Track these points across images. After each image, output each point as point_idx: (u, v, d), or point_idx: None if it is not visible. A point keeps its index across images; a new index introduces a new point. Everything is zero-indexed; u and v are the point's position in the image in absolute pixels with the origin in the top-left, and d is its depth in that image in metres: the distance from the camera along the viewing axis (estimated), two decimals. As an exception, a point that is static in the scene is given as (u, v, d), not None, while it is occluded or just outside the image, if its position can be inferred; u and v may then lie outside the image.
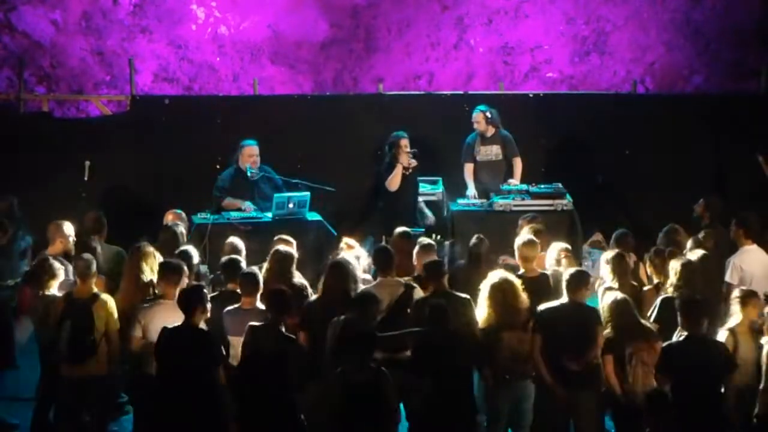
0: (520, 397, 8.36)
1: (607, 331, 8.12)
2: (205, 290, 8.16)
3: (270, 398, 7.77)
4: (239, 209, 11.71)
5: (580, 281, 8.34)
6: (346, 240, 10.33)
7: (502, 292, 8.28)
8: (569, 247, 9.59)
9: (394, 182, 12.00)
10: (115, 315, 8.52)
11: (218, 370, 7.88)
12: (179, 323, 7.95)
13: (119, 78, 15.89)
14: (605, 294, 8.49)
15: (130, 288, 8.97)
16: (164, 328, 7.93)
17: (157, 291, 8.66)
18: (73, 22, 16.01)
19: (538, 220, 10.53)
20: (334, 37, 16.47)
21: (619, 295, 8.29)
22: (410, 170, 12.08)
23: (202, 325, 8.01)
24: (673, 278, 8.74)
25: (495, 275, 8.46)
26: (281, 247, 9.21)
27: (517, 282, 8.43)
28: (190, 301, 7.94)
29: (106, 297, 8.55)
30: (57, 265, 8.88)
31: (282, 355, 7.81)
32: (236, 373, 7.98)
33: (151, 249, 9.11)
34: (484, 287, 8.39)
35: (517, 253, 9.28)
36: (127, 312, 8.56)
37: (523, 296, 8.37)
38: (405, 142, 12.05)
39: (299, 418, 7.86)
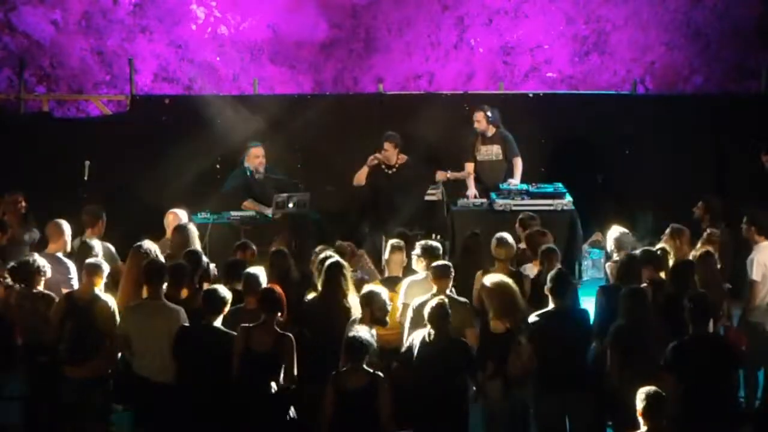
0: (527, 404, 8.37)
1: (618, 321, 8.01)
2: (220, 290, 8.15)
3: (264, 398, 7.77)
4: (258, 211, 11.81)
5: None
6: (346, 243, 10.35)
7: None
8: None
9: (356, 178, 12.23)
10: (117, 315, 8.52)
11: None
12: (170, 324, 7.99)
13: (119, 78, 15.89)
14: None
15: (128, 288, 8.97)
16: (183, 327, 7.98)
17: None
18: (73, 22, 16.01)
19: (533, 220, 10.54)
20: (334, 37, 16.48)
21: (634, 286, 8.22)
22: (394, 169, 12.15)
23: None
24: (669, 277, 8.72)
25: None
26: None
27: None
28: (209, 302, 7.96)
29: (107, 297, 8.55)
30: (43, 262, 8.88)
31: (277, 353, 7.81)
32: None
33: (153, 248, 9.13)
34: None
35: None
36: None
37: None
38: (386, 145, 12.20)
39: (292, 419, 7.87)
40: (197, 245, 9.86)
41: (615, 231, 9.93)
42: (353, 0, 16.48)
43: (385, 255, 9.44)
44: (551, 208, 11.72)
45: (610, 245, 9.92)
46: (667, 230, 10.10)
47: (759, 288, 9.48)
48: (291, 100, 14.09)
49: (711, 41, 16.38)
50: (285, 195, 11.80)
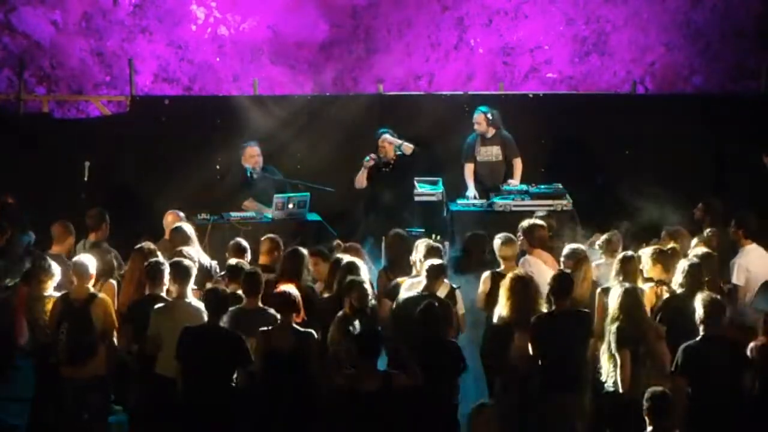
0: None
1: (619, 323, 7.99)
2: (220, 290, 8.14)
3: (295, 396, 7.75)
4: (255, 211, 11.84)
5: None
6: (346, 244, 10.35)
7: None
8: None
9: (358, 181, 12.28)
10: (113, 314, 8.51)
11: (241, 372, 7.87)
12: (197, 323, 7.98)
13: (119, 78, 15.89)
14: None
15: (130, 289, 8.97)
16: (187, 328, 7.92)
17: (154, 291, 8.63)
18: (73, 23, 16.01)
19: (548, 218, 10.57)
20: (334, 38, 16.48)
21: (628, 285, 8.22)
22: (389, 168, 12.17)
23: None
24: (679, 277, 8.71)
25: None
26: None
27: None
28: (213, 302, 7.94)
29: (102, 296, 8.55)
30: (54, 265, 8.86)
31: (302, 351, 7.78)
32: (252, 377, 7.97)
33: (153, 248, 9.13)
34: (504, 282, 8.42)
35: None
36: (136, 312, 8.54)
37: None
38: (380, 143, 12.19)
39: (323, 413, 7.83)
40: (196, 246, 9.85)
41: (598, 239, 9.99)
42: (353, 0, 16.48)
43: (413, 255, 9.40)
44: (551, 208, 11.73)
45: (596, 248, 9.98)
46: (663, 233, 10.13)
47: (742, 292, 9.46)
48: (291, 101, 14.09)
49: (711, 41, 16.37)
50: (284, 195, 11.81)
